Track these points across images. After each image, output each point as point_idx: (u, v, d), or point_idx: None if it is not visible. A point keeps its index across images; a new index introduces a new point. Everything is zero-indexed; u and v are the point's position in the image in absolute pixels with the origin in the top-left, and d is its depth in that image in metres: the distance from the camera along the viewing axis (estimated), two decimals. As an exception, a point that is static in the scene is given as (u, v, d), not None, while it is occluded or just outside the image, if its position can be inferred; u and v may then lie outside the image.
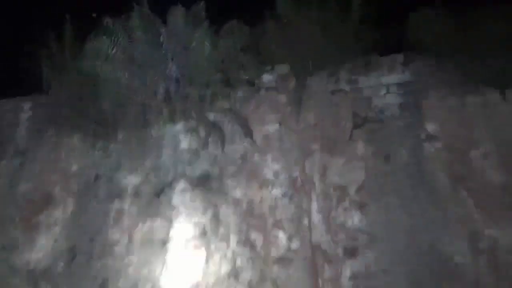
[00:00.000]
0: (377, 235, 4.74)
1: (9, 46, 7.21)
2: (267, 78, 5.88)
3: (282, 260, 4.84)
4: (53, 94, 6.29)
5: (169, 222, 5.31)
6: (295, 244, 4.88)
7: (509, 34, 5.01)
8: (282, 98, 5.73)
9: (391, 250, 4.67)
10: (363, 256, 4.68)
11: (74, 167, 6.00)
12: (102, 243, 5.40)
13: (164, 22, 5.68)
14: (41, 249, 5.58)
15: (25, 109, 6.73)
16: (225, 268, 4.90)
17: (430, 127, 5.12)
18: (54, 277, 5.36)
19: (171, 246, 5.15)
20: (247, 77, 5.81)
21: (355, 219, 4.86)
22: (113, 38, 5.42)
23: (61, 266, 5.42)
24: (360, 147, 5.20)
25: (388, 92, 5.45)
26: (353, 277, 4.62)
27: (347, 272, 4.65)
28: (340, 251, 4.75)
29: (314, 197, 5.07)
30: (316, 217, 4.96)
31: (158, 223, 5.36)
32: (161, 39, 5.61)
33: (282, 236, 4.95)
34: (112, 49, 5.38)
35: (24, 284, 5.42)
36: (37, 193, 5.95)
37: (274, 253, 4.88)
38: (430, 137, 5.08)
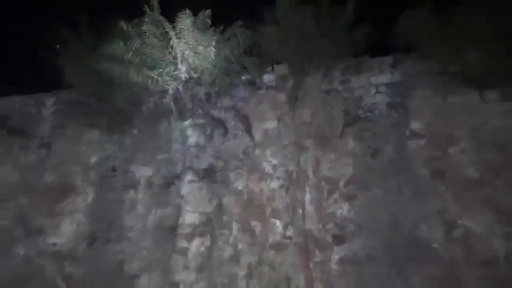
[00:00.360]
0: (363, 224, 5.28)
1: (31, 43, 7.77)
2: (267, 78, 6.35)
3: (278, 245, 5.41)
4: (72, 91, 6.87)
5: (178, 210, 5.90)
6: (290, 231, 5.44)
7: (489, 36, 5.37)
8: (281, 97, 6.20)
9: (376, 238, 5.21)
10: (350, 243, 5.24)
11: (93, 160, 6.61)
12: (119, 229, 6.03)
13: (173, 27, 6.14)
14: (65, 233, 6.23)
15: (47, 104, 7.31)
16: (227, 252, 5.50)
17: (415, 125, 5.58)
18: (77, 258, 6.02)
19: (180, 232, 5.76)
20: (249, 77, 6.30)
21: (343, 209, 5.40)
22: (128, 43, 5.89)
23: (83, 248, 6.07)
24: (350, 144, 5.69)
25: (377, 91, 5.89)
26: (341, 261, 5.19)
27: (335, 257, 5.22)
28: (329, 238, 5.31)
29: (307, 189, 5.60)
30: (309, 207, 5.51)
31: (168, 211, 5.96)
32: (171, 42, 6.08)
33: (278, 224, 5.51)
34: (128, 54, 5.84)
35: (51, 264, 6.09)
36: (60, 183, 6.58)
37: (271, 239, 5.46)
38: (415, 135, 5.54)
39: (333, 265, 5.20)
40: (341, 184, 5.52)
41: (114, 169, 6.44)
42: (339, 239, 5.28)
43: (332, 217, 5.40)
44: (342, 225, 5.33)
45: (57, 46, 6.63)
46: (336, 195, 5.49)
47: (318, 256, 5.26)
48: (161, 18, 6.05)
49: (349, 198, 5.43)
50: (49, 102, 7.30)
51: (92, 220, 6.21)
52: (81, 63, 6.53)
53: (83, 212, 6.30)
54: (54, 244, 6.19)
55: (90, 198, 6.38)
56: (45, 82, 7.31)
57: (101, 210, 6.24)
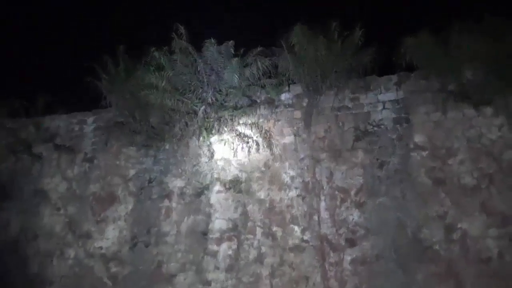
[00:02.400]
0: (372, 228, 5.96)
1: (73, 68, 8.68)
2: (284, 97, 7.06)
3: (297, 248, 6.15)
4: (111, 110, 7.71)
5: (208, 217, 6.69)
6: (307, 236, 6.16)
7: (484, 56, 5.94)
8: (297, 114, 6.91)
9: (383, 240, 5.89)
10: (361, 245, 5.93)
11: (132, 172, 7.43)
12: (156, 234, 6.85)
13: (200, 54, 6.87)
14: (110, 237, 7.08)
15: (89, 122, 8.18)
16: (252, 254, 6.27)
17: (418, 138, 6.21)
18: (121, 260, 6.87)
19: (210, 236, 6.53)
20: (268, 96, 7.01)
21: (354, 215, 6.09)
22: (162, 74, 6.68)
23: (126, 251, 6.91)
24: (360, 156, 6.35)
25: (384, 108, 6.53)
26: (353, 261, 5.89)
27: (348, 258, 5.92)
28: (342, 241, 6.01)
29: (322, 197, 6.30)
30: (324, 214, 6.22)
31: (200, 218, 6.75)
32: (198, 68, 6.83)
33: (297, 229, 6.24)
34: (162, 83, 6.63)
35: (98, 264, 6.96)
36: (104, 193, 7.44)
37: (291, 242, 6.20)
38: (417, 147, 6.18)
39: (346, 265, 5.90)
40: (352, 192, 6.20)
41: (150, 181, 7.25)
42: (351, 242, 5.97)
43: (344, 222, 6.08)
44: (354, 230, 6.01)
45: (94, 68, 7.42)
46: (348, 203, 6.17)
47: (332, 257, 5.96)
48: (189, 46, 6.82)
49: (359, 205, 6.12)
50: (90, 120, 8.16)
51: (133, 226, 7.03)
52: (119, 87, 7.38)
53: (124, 218, 7.14)
54: (100, 248, 7.05)
55: (130, 206, 7.20)
56: (88, 102, 8.18)
57: (140, 217, 7.06)
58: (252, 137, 6.86)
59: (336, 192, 6.27)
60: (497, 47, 5.81)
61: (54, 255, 7.21)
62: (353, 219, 6.08)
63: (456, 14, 6.33)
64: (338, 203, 6.21)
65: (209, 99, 6.67)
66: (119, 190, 7.36)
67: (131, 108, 7.33)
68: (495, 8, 6.15)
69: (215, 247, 6.44)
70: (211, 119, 6.80)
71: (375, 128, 6.44)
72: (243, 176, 6.76)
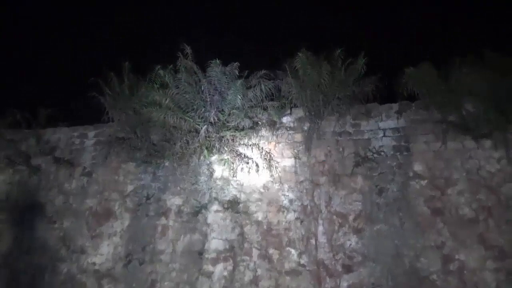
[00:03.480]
0: (369, 255, 5.93)
1: (76, 81, 8.74)
2: (286, 119, 7.12)
3: (293, 272, 6.09)
4: (113, 126, 7.71)
5: (205, 237, 6.64)
6: (304, 260, 6.12)
7: (484, 89, 6.04)
8: (298, 137, 6.95)
9: (380, 268, 5.85)
10: (358, 272, 5.89)
11: (130, 188, 7.40)
12: (152, 251, 6.77)
13: (204, 73, 6.93)
14: (104, 253, 6.99)
15: (89, 136, 8.19)
16: (248, 276, 6.19)
17: (417, 167, 6.26)
18: (114, 277, 6.76)
19: (206, 256, 6.47)
20: (269, 118, 7.05)
21: (352, 241, 6.07)
22: (165, 90, 6.75)
23: (120, 268, 6.80)
24: (359, 182, 6.38)
25: (384, 135, 6.59)
26: (348, 288, 5.86)
27: (344, 284, 5.88)
28: (339, 267, 5.97)
29: (320, 221, 6.29)
30: (321, 238, 6.19)
31: (196, 237, 6.69)
32: (202, 88, 6.88)
33: (293, 252, 6.20)
34: (165, 100, 6.67)
35: (90, 281, 6.85)
36: (100, 208, 7.39)
37: (287, 266, 6.14)
38: (417, 176, 6.21)
39: (342, 291, 5.86)
40: (351, 218, 6.19)
41: (148, 197, 7.21)
42: (347, 268, 5.94)
43: (342, 248, 6.06)
44: (351, 256, 5.99)
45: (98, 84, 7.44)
46: (345, 228, 6.16)
47: (328, 283, 5.91)
48: (194, 65, 6.90)
49: (357, 231, 6.10)
50: (91, 134, 8.17)
51: (128, 242, 6.96)
52: (122, 103, 7.39)
53: (120, 235, 7.07)
54: (94, 263, 6.95)
55: (126, 222, 7.14)
56: (89, 116, 8.19)
57: (136, 234, 6.99)
58: (252, 158, 6.88)
59: (334, 217, 6.26)
60: (496, 82, 5.92)
61: (47, 270, 7.09)
62: (350, 244, 6.06)
63: (457, 47, 6.52)
64: (336, 228, 6.20)
65: (212, 119, 6.70)
66: (116, 206, 7.31)
67: (133, 124, 7.35)
68: (495, 43, 6.33)
69: (210, 268, 6.37)
70: (213, 139, 6.82)
71: (375, 155, 6.48)
72: (242, 196, 6.76)
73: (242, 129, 6.83)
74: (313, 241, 6.20)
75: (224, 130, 6.79)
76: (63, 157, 8.06)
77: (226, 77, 6.85)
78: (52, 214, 7.56)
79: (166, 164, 7.34)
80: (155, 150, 7.31)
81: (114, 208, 7.31)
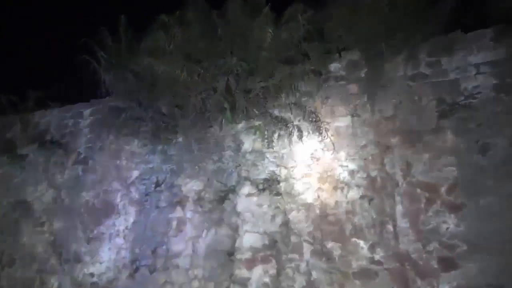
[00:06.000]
0: (478, 243, 4.00)
1: (69, 52, 7.27)
2: (334, 67, 5.31)
3: (365, 273, 4.24)
4: (111, 99, 6.18)
5: (235, 231, 4.93)
6: (379, 255, 4.27)
7: None
8: (353, 88, 5.14)
9: (497, 260, 3.92)
10: (463, 268, 3.97)
11: (135, 174, 5.83)
12: (165, 255, 5.14)
13: (220, 13, 5.31)
14: (104, 261, 5.44)
15: (85, 115, 6.66)
16: (299, 282, 4.41)
17: (535, 109, 4.31)
18: (118, 291, 5.16)
19: (238, 257, 4.75)
20: (312, 67, 5.25)
21: (449, 223, 4.14)
22: (169, 33, 5.25)
23: (124, 278, 5.25)
24: (450, 139, 4.46)
25: (478, 72, 4.67)
26: (453, 293, 3.94)
27: (444, 287, 3.97)
28: (434, 262, 4.07)
29: (398, 198, 4.41)
30: (402, 222, 4.31)
31: (223, 232, 5.01)
32: (219, 31, 5.24)
33: (363, 245, 4.36)
34: (169, 45, 5.17)
35: (89, 298, 5.28)
36: (98, 202, 5.84)
37: (355, 265, 4.31)
38: (537, 122, 4.26)
39: (442, 299, 3.95)
40: (443, 190, 4.28)
41: (158, 184, 5.60)
42: (447, 264, 4.03)
43: (434, 234, 4.16)
44: (450, 245, 4.07)
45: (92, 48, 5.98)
46: (437, 205, 4.25)
47: (420, 287, 4.02)
48: (206, 5, 5.30)
49: (455, 208, 4.18)
50: (87, 112, 6.66)
51: (134, 244, 5.39)
52: (121, 67, 5.90)
53: (123, 235, 5.52)
54: (92, 274, 5.42)
55: (131, 218, 5.58)
56: (84, 92, 6.69)
57: (144, 233, 5.41)
58: (293, 122, 5.11)
59: (418, 190, 4.36)
60: None
61: (33, 285, 5.57)
62: (447, 228, 4.14)
63: None
64: (422, 205, 4.29)
65: (234, 69, 4.96)
66: (118, 198, 5.74)
67: (134, 91, 5.74)
68: None
69: (245, 273, 4.64)
70: (237, 97, 5.07)
71: (469, 100, 4.56)
72: (282, 172, 5.00)
73: (276, 80, 5.06)
74: (390, 227, 4.33)
75: (251, 83, 5.03)
76: (54, 143, 6.57)
77: (251, 13, 5.14)
78: (40, 215, 6.06)
79: (180, 139, 5.67)
80: (164, 122, 5.65)
81: (115, 201, 5.75)
